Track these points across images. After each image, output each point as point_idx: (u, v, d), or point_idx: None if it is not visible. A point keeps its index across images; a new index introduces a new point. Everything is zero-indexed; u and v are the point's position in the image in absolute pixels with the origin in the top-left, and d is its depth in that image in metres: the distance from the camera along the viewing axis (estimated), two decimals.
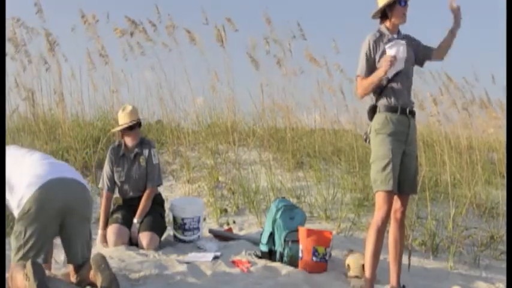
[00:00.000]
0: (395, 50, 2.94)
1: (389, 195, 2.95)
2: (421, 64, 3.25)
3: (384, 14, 3.14)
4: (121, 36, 6.46)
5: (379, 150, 2.99)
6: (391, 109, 3.03)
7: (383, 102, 3.05)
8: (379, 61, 3.05)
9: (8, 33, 6.21)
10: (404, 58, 3.00)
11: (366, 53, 3.07)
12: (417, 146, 3.29)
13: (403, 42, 3.00)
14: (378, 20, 3.21)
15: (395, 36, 3.11)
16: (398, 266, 3.08)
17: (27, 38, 6.36)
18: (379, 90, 3.08)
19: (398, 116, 3.02)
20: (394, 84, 3.04)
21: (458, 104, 6.65)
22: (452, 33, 3.13)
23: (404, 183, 3.03)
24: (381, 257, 3.07)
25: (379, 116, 3.04)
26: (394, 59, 2.92)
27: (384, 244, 3.05)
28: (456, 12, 3.08)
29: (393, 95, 3.04)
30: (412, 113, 3.11)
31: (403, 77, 3.06)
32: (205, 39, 6.64)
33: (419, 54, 3.20)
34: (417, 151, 3.25)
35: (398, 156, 3.00)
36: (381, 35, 3.11)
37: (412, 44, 3.17)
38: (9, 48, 6.23)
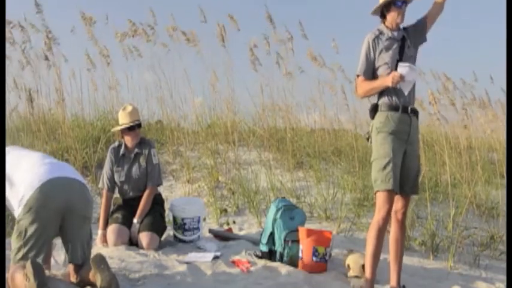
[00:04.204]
0: (406, 72, 2.94)
1: (390, 194, 2.94)
2: (424, 39, 3.21)
3: (383, 13, 3.15)
4: (122, 40, 6.46)
5: (380, 149, 2.99)
6: (393, 108, 3.03)
7: (384, 100, 3.05)
8: (378, 59, 3.06)
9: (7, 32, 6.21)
10: (412, 82, 3.01)
11: (366, 52, 3.09)
12: (419, 145, 3.28)
13: (416, 69, 3.02)
14: (379, 20, 3.21)
15: (395, 33, 3.11)
16: (398, 266, 3.07)
17: (26, 37, 6.36)
18: (381, 89, 3.08)
19: (399, 115, 3.02)
20: None
21: (458, 104, 6.65)
22: None
23: (405, 183, 3.03)
24: (381, 257, 3.06)
25: (381, 115, 3.04)
26: (401, 79, 2.93)
27: (384, 244, 3.05)
28: None
29: (395, 93, 3.04)
30: (414, 112, 3.10)
31: None
32: (205, 39, 6.65)
33: (417, 31, 3.18)
34: (419, 151, 3.25)
35: (400, 156, 2.99)
36: (380, 33, 3.12)
37: (412, 33, 3.16)
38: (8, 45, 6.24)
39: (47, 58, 6.31)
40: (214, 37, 6.48)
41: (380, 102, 3.07)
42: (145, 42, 6.50)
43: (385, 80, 2.98)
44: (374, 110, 3.09)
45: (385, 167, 2.93)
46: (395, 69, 3.00)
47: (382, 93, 3.07)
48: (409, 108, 3.06)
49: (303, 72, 6.68)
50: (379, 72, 3.08)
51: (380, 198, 2.96)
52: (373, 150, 3.05)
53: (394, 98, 3.04)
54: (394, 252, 3.07)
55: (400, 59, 3.04)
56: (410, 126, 3.05)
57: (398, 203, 3.05)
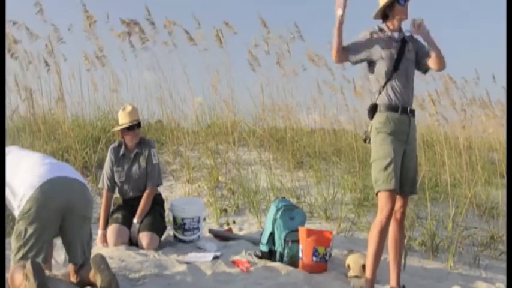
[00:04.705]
0: None
1: (392, 194, 2.94)
2: (423, 70, 3.22)
3: (385, 15, 3.14)
4: (122, 39, 6.45)
5: (380, 150, 2.98)
6: (392, 108, 3.02)
7: (383, 101, 3.05)
8: (375, 53, 3.05)
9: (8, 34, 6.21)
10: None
11: (362, 36, 3.08)
12: (417, 145, 3.28)
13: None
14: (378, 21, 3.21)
15: (395, 34, 3.10)
16: (398, 266, 3.07)
17: (27, 39, 6.36)
18: (380, 89, 3.08)
19: (399, 115, 3.02)
20: (394, 83, 3.04)
21: (458, 104, 6.65)
22: (432, 50, 3.07)
23: (404, 183, 3.03)
24: (381, 257, 3.07)
25: (380, 115, 3.04)
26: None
27: (384, 244, 3.05)
28: (423, 34, 3.06)
29: (394, 94, 3.04)
30: (413, 112, 3.11)
31: (403, 75, 3.05)
32: (204, 39, 6.64)
33: (420, 56, 3.16)
34: (417, 151, 3.24)
35: (400, 156, 2.99)
36: (380, 30, 3.11)
37: (415, 44, 3.16)
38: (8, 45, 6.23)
39: (47, 64, 6.29)
40: (213, 38, 6.49)
41: (379, 102, 3.07)
42: (145, 41, 6.48)
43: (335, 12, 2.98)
44: (373, 110, 3.08)
45: (386, 168, 2.93)
46: (392, 66, 3.00)
47: (381, 93, 3.06)
48: (408, 109, 3.06)
49: (305, 70, 6.69)
50: (376, 66, 3.06)
51: (382, 199, 2.96)
52: (373, 151, 3.05)
53: (393, 98, 3.03)
54: (393, 252, 3.07)
55: (399, 59, 3.04)
56: (409, 127, 3.05)
57: (397, 203, 3.04)
